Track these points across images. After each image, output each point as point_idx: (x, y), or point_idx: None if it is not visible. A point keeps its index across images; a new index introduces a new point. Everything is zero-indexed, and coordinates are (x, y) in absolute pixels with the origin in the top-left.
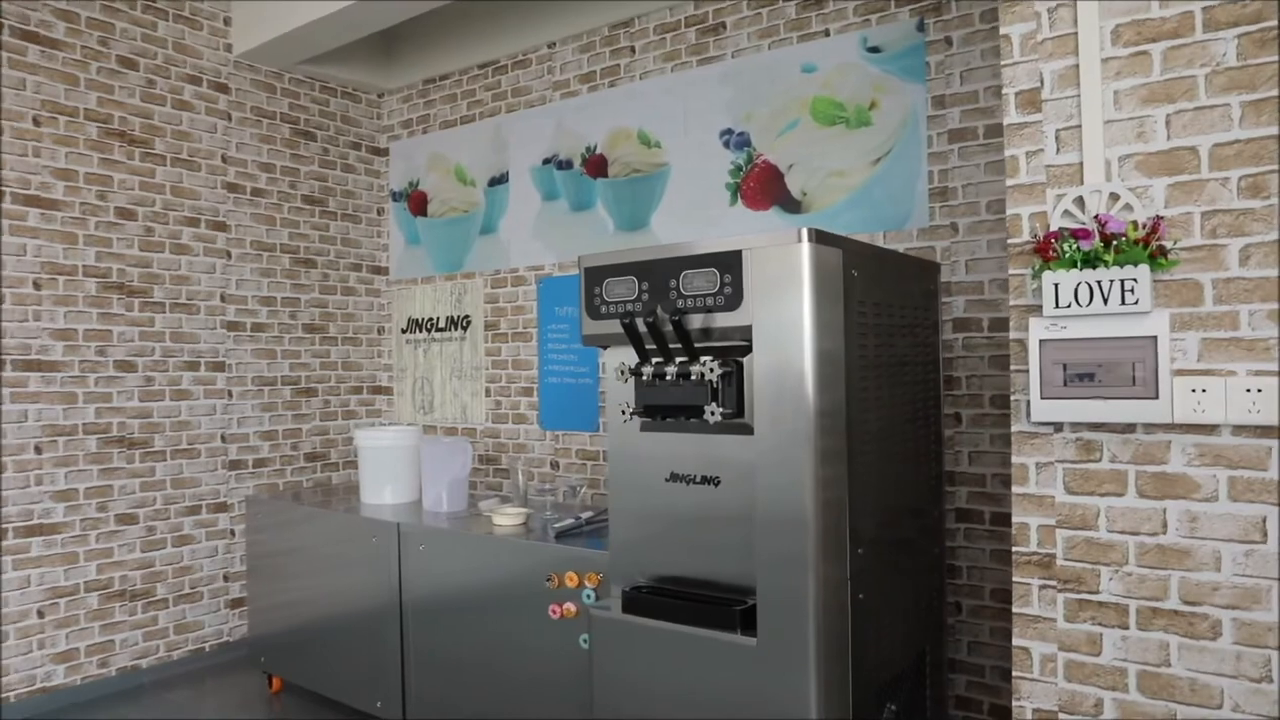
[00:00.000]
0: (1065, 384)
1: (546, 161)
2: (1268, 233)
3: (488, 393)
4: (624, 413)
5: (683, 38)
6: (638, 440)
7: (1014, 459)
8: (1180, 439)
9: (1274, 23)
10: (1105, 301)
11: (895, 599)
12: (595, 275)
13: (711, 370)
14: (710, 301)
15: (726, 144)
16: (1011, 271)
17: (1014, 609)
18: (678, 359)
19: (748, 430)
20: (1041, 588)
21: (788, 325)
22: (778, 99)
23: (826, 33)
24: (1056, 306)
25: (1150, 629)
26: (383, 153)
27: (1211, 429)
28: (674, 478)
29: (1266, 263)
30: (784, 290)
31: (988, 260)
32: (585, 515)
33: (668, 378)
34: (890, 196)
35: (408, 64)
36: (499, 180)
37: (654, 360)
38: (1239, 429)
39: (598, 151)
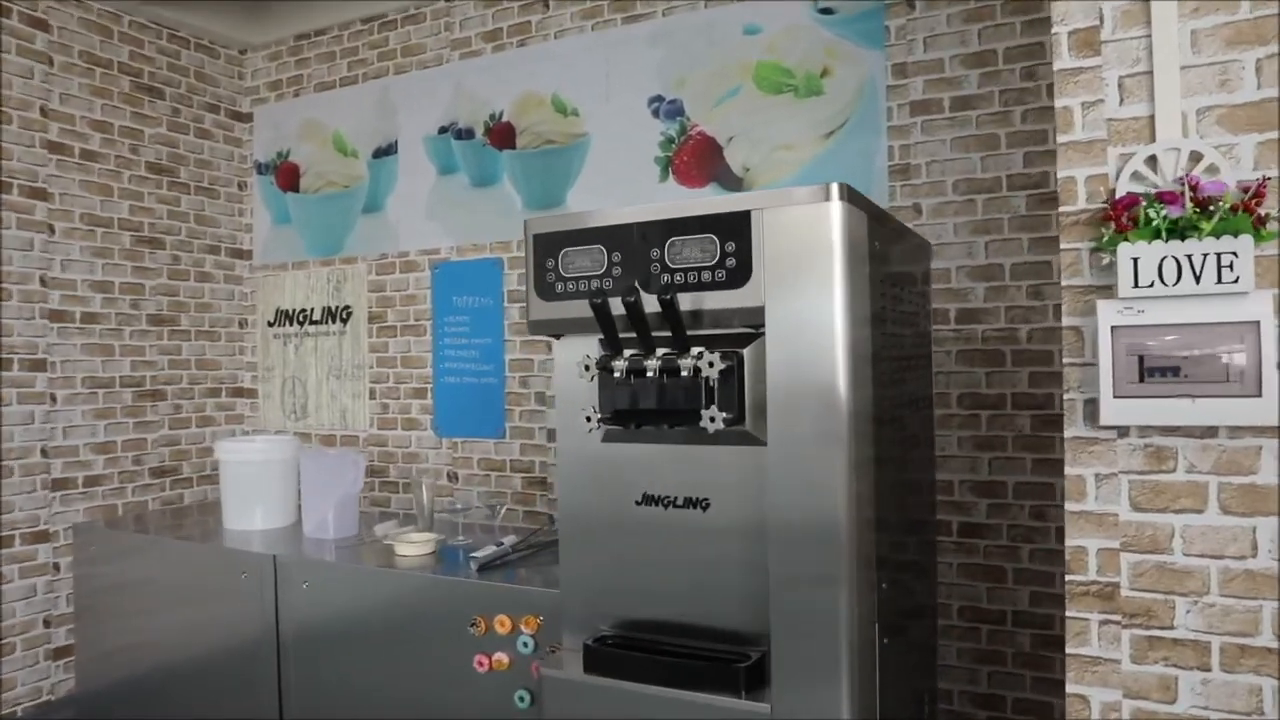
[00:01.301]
0: (1142, 380)
1: (443, 130)
2: None
3: (372, 394)
4: (588, 420)
5: None
6: (598, 453)
7: (1068, 470)
8: (1272, 444)
9: None
10: (1197, 280)
11: (908, 636)
12: (548, 245)
13: (710, 364)
14: (707, 277)
15: (656, 113)
16: (1064, 245)
17: (1068, 649)
18: (661, 350)
19: (752, 440)
20: (1103, 623)
21: (815, 309)
22: (716, 63)
23: None
24: (1135, 285)
25: (1238, 670)
26: (246, 118)
27: None
28: (648, 500)
29: None
30: (809, 263)
31: (955, 245)
32: (509, 540)
33: (649, 374)
34: (845, 174)
35: (276, 16)
36: (386, 151)
37: (628, 352)
38: None
39: (504, 119)
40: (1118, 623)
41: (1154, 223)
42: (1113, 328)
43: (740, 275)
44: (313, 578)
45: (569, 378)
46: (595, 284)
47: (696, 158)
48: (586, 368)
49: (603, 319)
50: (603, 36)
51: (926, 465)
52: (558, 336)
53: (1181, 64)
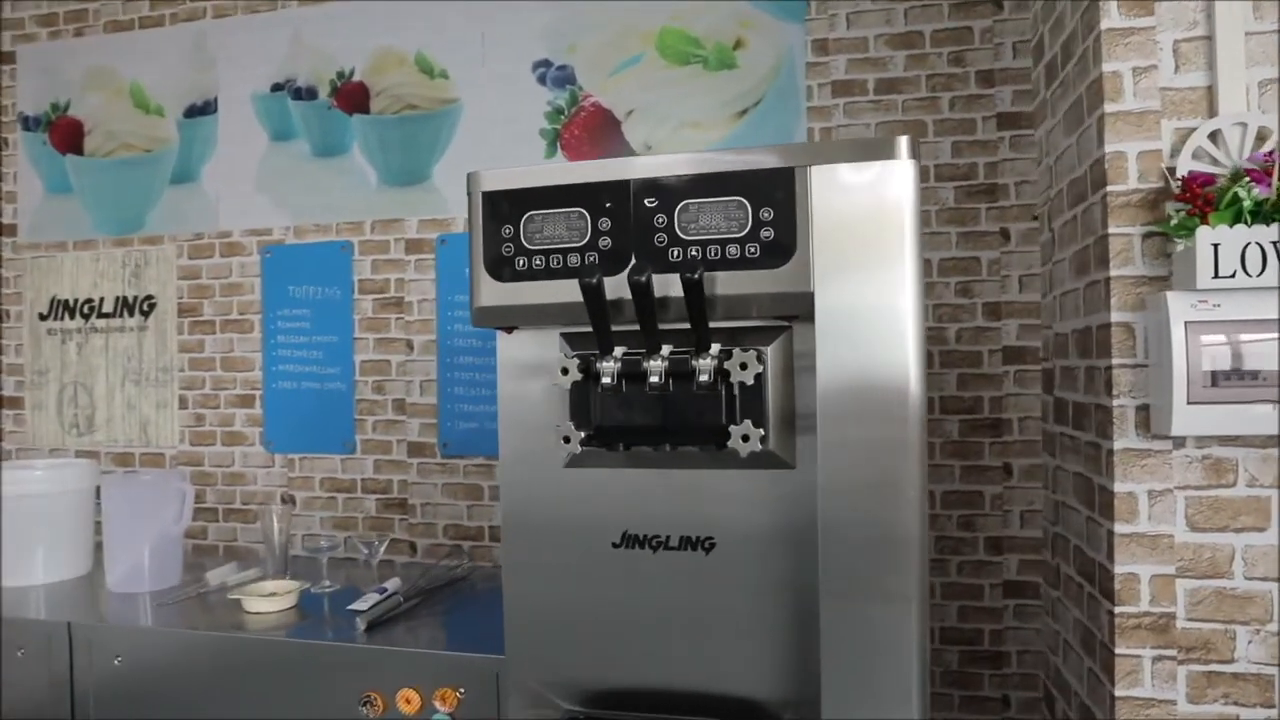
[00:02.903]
0: (1215, 384)
1: (277, 88)
2: None
3: (183, 403)
4: (567, 440)
5: None
6: (561, 482)
7: (1117, 487)
8: None
9: None
10: None
11: None
12: (505, 206)
13: (743, 366)
14: (734, 252)
15: (542, 79)
16: (1113, 230)
17: (1117, 691)
18: (666, 348)
19: (776, 461)
20: (1156, 659)
21: (882, 295)
22: (613, 27)
23: None
24: (1215, 276)
25: None
26: (5, 58)
27: None
28: (630, 541)
29: None
30: (874, 238)
31: None
32: (393, 585)
33: (652, 379)
34: None
35: None
36: (202, 110)
37: (619, 351)
38: None
39: (355, 78)
40: (1173, 659)
41: (1242, 203)
42: (1187, 323)
43: (779, 251)
44: (127, 650)
45: (520, 382)
46: (576, 257)
47: (589, 131)
48: (565, 370)
49: (594, 305)
50: None
51: None
52: (510, 330)
53: (1245, 30)
